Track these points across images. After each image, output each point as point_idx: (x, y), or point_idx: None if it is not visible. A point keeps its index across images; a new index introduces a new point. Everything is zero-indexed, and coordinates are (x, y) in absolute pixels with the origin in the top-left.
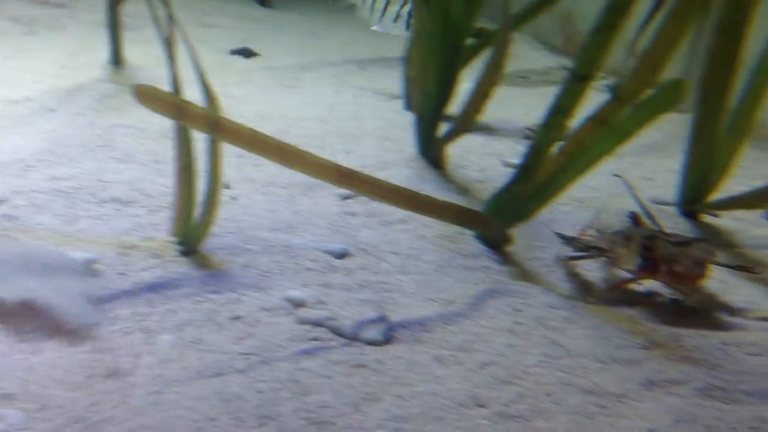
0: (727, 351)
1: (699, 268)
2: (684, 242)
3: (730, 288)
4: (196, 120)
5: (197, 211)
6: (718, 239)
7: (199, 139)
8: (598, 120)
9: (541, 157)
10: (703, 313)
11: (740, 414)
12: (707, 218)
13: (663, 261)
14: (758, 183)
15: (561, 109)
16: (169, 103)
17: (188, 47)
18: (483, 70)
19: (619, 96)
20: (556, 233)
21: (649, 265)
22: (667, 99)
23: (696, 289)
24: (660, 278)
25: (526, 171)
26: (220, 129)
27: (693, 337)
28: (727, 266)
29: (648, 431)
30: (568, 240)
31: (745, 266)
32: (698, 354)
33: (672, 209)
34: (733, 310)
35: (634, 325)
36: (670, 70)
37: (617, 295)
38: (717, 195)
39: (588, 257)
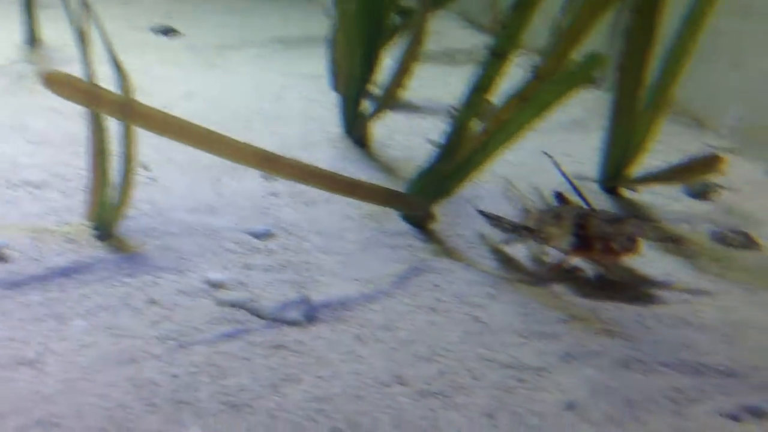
0: (645, 323)
1: (632, 244)
2: (616, 219)
3: (648, 261)
4: (108, 106)
5: (113, 194)
6: (637, 214)
7: (114, 120)
8: (520, 98)
9: (463, 135)
10: (624, 286)
11: (656, 384)
12: (627, 193)
13: (597, 239)
14: (676, 158)
15: (481, 87)
16: (81, 90)
17: (98, 26)
18: (404, 46)
19: (538, 74)
20: (480, 212)
21: (584, 243)
22: (584, 72)
23: (618, 263)
24: (594, 255)
25: (448, 149)
26: (134, 115)
27: (611, 310)
28: (657, 239)
29: (566, 403)
30: (493, 220)
31: (672, 238)
32: (616, 327)
33: (593, 185)
34: (653, 283)
35: (554, 300)
36: (590, 47)
37: (554, 275)
38: (636, 170)
39: (519, 239)
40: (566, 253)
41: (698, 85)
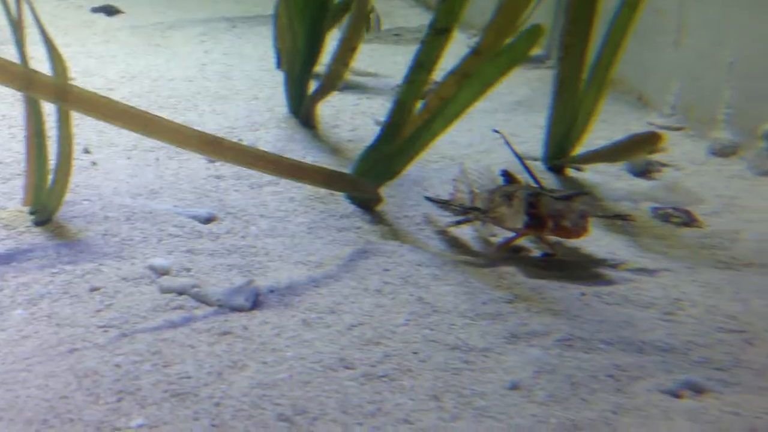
0: (587, 302)
1: (584, 222)
2: (566, 197)
3: (593, 239)
4: (43, 90)
5: (51, 179)
6: (586, 191)
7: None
8: (460, 74)
9: (407, 114)
10: (568, 265)
11: (599, 362)
12: (572, 172)
13: (550, 217)
14: (619, 136)
15: (422, 64)
16: (14, 74)
17: (32, 7)
18: (348, 24)
19: (477, 50)
20: (427, 198)
21: (536, 222)
22: (524, 45)
23: (568, 241)
24: (546, 234)
25: (392, 128)
26: (69, 99)
27: (555, 290)
28: (606, 216)
29: (511, 384)
30: (441, 204)
31: (620, 215)
32: (559, 305)
33: (538, 164)
34: (596, 262)
35: (499, 280)
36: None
37: (504, 254)
38: (580, 149)
39: (469, 220)
40: (519, 232)
41: (642, 63)
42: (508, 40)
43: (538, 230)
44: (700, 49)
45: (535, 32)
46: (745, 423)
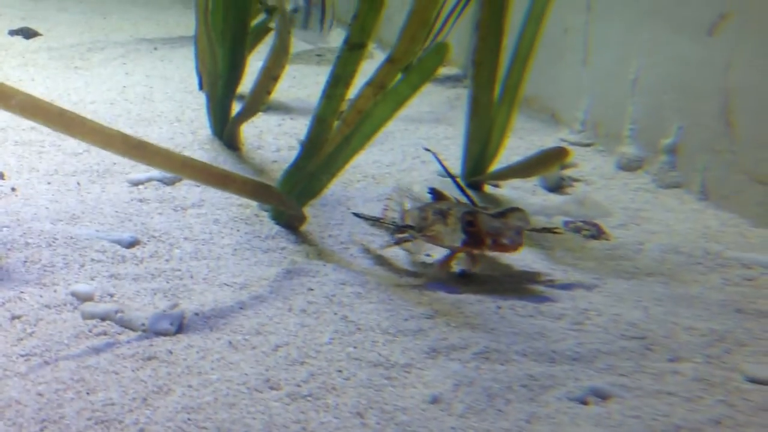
0: (503, 314)
1: (520, 237)
2: (501, 213)
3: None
4: None
5: None
6: (518, 206)
7: None
8: (376, 85)
9: (326, 130)
10: (485, 279)
11: (513, 373)
12: (489, 189)
13: (488, 234)
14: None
15: (339, 78)
16: None
17: None
18: (269, 54)
19: (392, 58)
20: (356, 214)
21: (474, 240)
22: (433, 62)
23: (481, 257)
24: (484, 251)
25: (312, 145)
26: None
27: (473, 304)
28: (535, 230)
29: (431, 398)
30: (371, 221)
31: (549, 229)
32: (477, 319)
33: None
34: (513, 275)
35: (419, 296)
36: (454, 46)
37: (445, 272)
38: (497, 165)
39: (408, 240)
40: (455, 250)
41: (553, 81)
42: (420, 46)
43: (476, 247)
44: (605, 67)
45: (441, 49)
46: (644, 426)
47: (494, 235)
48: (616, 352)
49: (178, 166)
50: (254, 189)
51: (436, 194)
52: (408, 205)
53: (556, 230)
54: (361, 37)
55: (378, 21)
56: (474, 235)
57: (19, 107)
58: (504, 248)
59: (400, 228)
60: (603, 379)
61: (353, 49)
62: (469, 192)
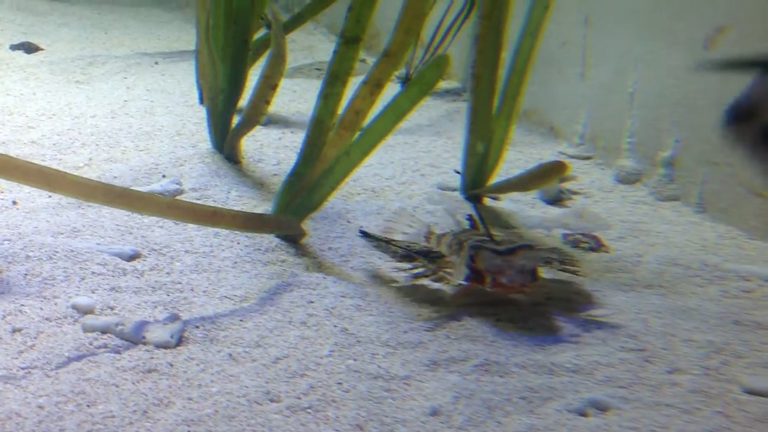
0: (502, 327)
1: (523, 277)
2: (508, 251)
3: None
4: None
5: None
6: (498, 221)
7: None
8: (372, 83)
9: (324, 132)
10: (486, 291)
11: (513, 385)
12: (489, 202)
13: (488, 272)
14: (532, 166)
15: (337, 75)
16: None
17: None
18: (267, 62)
19: (388, 52)
20: (364, 234)
21: (476, 276)
22: (432, 75)
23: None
24: (487, 288)
25: (310, 149)
26: None
27: (473, 316)
28: (552, 266)
29: (431, 410)
30: (378, 242)
31: (568, 269)
32: (477, 332)
33: (456, 194)
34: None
35: (419, 309)
36: (454, 60)
37: (466, 301)
38: (496, 178)
39: (425, 275)
40: (466, 282)
41: (551, 94)
42: (414, 39)
43: (480, 283)
44: (603, 80)
45: (441, 63)
46: None
47: (494, 274)
48: (615, 364)
49: (164, 209)
50: (245, 221)
51: (473, 222)
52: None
53: (576, 271)
54: (357, 30)
55: (373, 12)
56: (476, 270)
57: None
58: (504, 288)
59: (411, 254)
60: (602, 391)
61: (349, 43)
62: (487, 222)
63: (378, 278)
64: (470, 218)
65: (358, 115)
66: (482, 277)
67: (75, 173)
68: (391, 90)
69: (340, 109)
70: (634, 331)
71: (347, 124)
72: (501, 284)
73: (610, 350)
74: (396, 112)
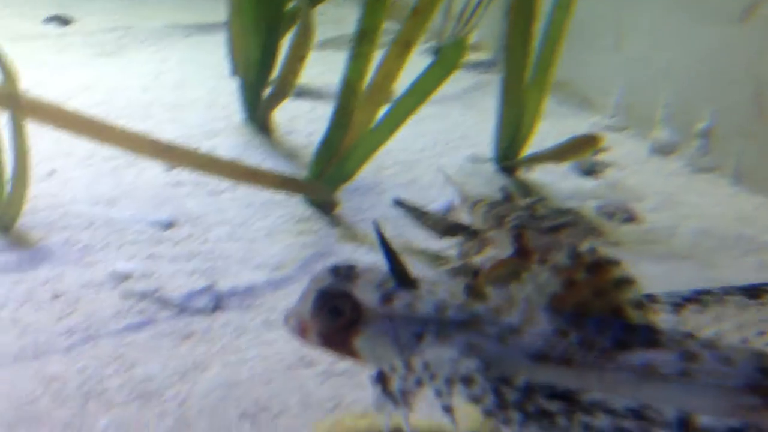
0: None
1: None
2: (554, 228)
3: None
4: None
5: (9, 188)
6: (530, 192)
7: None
8: (401, 43)
9: (354, 94)
10: None
11: None
12: (522, 173)
13: (536, 251)
14: (565, 138)
15: (365, 33)
16: None
17: None
18: (295, 34)
19: (416, 9)
20: (398, 203)
21: (522, 254)
22: (454, 56)
23: None
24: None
25: (341, 112)
26: (21, 108)
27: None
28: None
29: None
30: (416, 213)
31: (611, 241)
32: None
33: (489, 166)
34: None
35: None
36: (485, 32)
37: (502, 273)
38: (528, 150)
39: (473, 251)
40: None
41: (586, 67)
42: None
43: (524, 262)
44: (638, 52)
45: (460, 45)
46: None
47: (542, 252)
48: None
49: (206, 165)
50: (282, 182)
51: (507, 195)
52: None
53: (616, 243)
54: None
55: None
56: (522, 248)
57: (49, 119)
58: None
59: (451, 228)
60: None
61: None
62: (516, 196)
63: (410, 249)
64: (504, 190)
65: (388, 77)
66: (528, 255)
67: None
68: (421, 62)
69: (370, 72)
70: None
71: (377, 87)
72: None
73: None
74: (422, 90)
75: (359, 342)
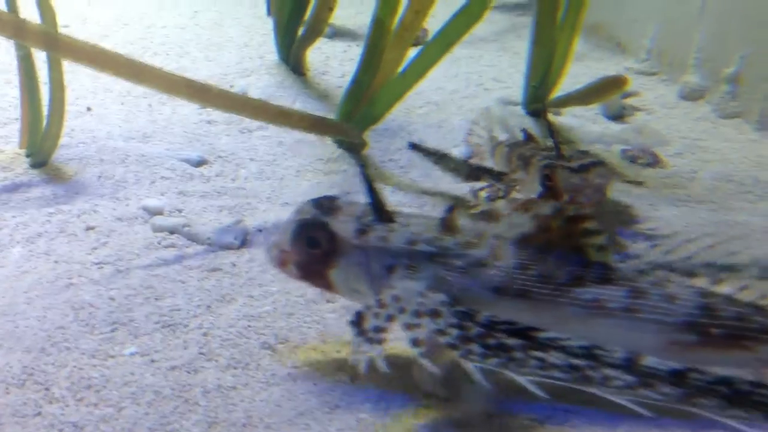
0: None
1: (598, 194)
2: (584, 167)
3: None
4: (33, 39)
5: (46, 122)
6: (559, 135)
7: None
8: None
9: (384, 33)
10: None
11: None
12: (551, 116)
13: (566, 191)
14: None
15: None
16: (3, 22)
17: None
18: None
19: None
20: (414, 145)
21: (551, 194)
22: (477, 8)
23: None
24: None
25: (371, 51)
26: (59, 47)
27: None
28: (625, 182)
29: None
30: (434, 157)
31: (635, 181)
32: None
33: (519, 109)
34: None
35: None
36: None
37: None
38: (559, 93)
39: (500, 194)
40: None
41: (619, 9)
42: None
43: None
44: None
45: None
46: None
47: (572, 192)
48: None
49: (239, 106)
50: (312, 122)
51: (528, 135)
52: (499, 135)
53: (642, 183)
54: None
55: None
56: (551, 189)
57: (88, 59)
58: (580, 205)
59: (474, 170)
60: None
61: None
62: (561, 144)
63: (436, 189)
64: (525, 131)
65: (418, 14)
66: (558, 196)
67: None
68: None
69: (401, 10)
70: (677, 244)
71: (407, 25)
72: (579, 203)
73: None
74: (445, 40)
75: (334, 273)
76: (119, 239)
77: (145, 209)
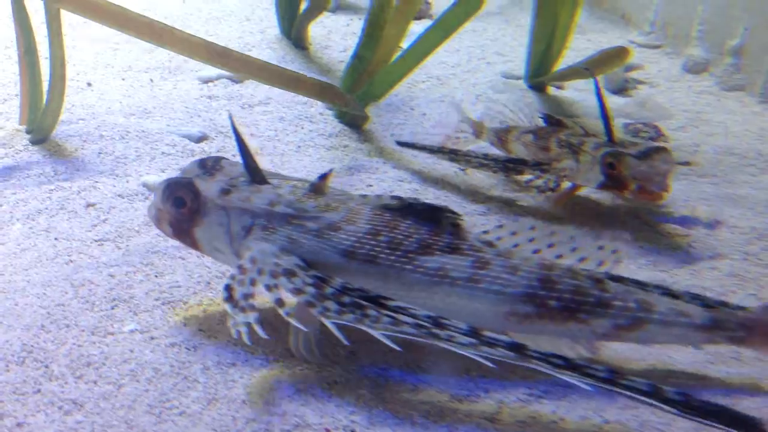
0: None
1: (665, 181)
2: (645, 153)
3: None
4: None
5: (46, 98)
6: (560, 109)
7: (43, 22)
8: None
9: (385, 8)
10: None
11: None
12: (552, 90)
13: (633, 179)
14: None
15: None
16: None
17: None
18: None
19: None
20: (402, 143)
21: (615, 183)
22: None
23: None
24: (625, 195)
25: (372, 27)
26: (83, 5)
27: (523, 204)
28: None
29: None
30: (430, 152)
31: (684, 162)
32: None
33: (521, 83)
34: None
35: (474, 195)
36: None
37: (561, 208)
38: (560, 66)
39: (550, 186)
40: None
41: None
42: None
43: (617, 190)
44: None
45: None
46: None
47: (641, 181)
48: (660, 251)
49: (256, 70)
50: (321, 90)
51: (551, 120)
52: (513, 116)
53: (690, 163)
54: None
55: None
56: (616, 178)
57: (109, 19)
58: (650, 196)
59: (505, 162)
60: (644, 274)
61: None
62: (613, 128)
63: (437, 165)
64: (545, 115)
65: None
66: (624, 184)
67: (146, 55)
68: None
69: None
70: (681, 218)
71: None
72: (649, 192)
73: (655, 236)
74: (444, 28)
75: (199, 232)
76: (119, 216)
77: (146, 185)
